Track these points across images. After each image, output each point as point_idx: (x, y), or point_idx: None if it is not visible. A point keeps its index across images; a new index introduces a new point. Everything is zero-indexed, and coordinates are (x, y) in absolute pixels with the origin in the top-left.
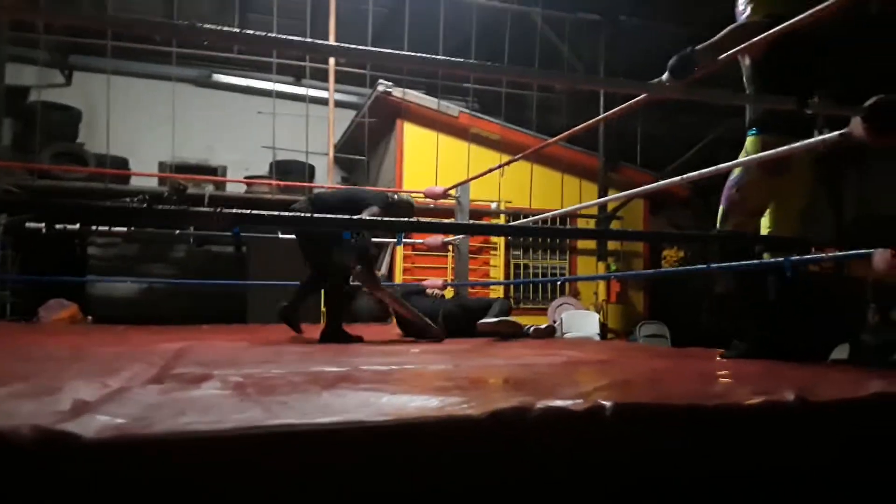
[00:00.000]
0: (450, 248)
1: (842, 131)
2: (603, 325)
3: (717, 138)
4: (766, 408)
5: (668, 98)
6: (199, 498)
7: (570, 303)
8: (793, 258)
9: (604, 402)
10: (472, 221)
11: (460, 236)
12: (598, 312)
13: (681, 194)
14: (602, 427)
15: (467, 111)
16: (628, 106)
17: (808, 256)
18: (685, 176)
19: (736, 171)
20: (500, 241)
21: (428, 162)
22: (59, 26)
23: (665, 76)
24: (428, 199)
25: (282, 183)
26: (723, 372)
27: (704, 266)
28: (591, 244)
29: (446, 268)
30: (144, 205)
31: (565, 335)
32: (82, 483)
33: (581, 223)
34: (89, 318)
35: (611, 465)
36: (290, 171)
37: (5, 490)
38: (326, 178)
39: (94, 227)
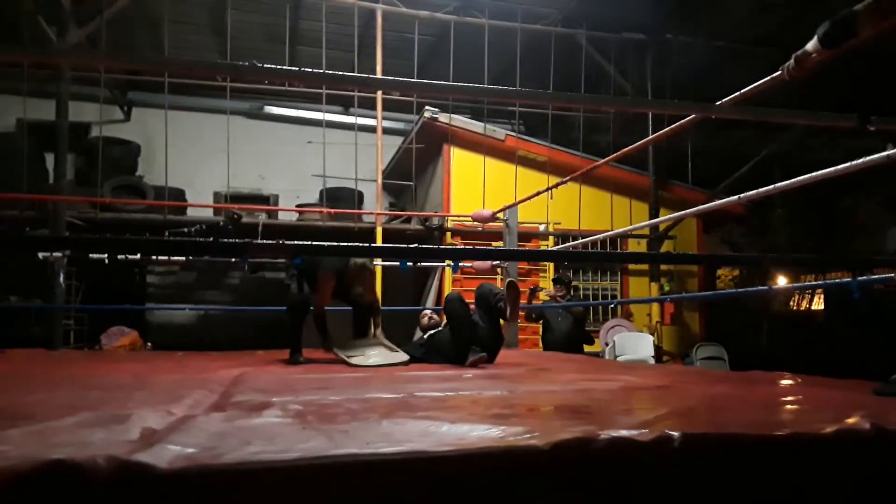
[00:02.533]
0: (498, 270)
1: None
2: (657, 348)
3: (771, 153)
4: (841, 437)
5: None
6: None
7: (622, 324)
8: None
9: (671, 433)
10: (517, 248)
11: None
12: (653, 334)
13: (735, 211)
14: (668, 458)
15: (513, 134)
16: (679, 126)
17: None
18: (743, 195)
19: None
20: (549, 263)
21: (475, 185)
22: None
23: (811, 44)
24: (476, 223)
25: (332, 210)
26: (789, 398)
27: (765, 288)
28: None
29: None
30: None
31: (618, 358)
32: None
33: (632, 243)
34: (149, 344)
35: (676, 498)
36: (340, 197)
37: None
38: (375, 205)
39: (152, 257)
